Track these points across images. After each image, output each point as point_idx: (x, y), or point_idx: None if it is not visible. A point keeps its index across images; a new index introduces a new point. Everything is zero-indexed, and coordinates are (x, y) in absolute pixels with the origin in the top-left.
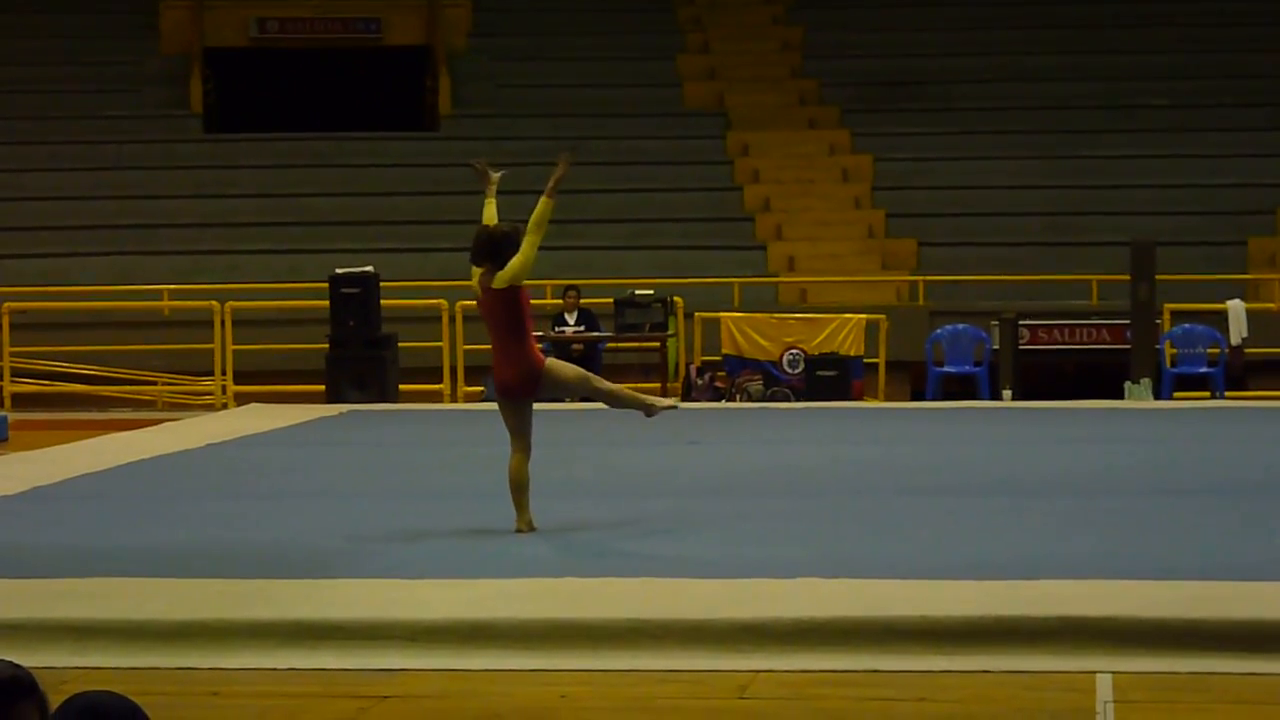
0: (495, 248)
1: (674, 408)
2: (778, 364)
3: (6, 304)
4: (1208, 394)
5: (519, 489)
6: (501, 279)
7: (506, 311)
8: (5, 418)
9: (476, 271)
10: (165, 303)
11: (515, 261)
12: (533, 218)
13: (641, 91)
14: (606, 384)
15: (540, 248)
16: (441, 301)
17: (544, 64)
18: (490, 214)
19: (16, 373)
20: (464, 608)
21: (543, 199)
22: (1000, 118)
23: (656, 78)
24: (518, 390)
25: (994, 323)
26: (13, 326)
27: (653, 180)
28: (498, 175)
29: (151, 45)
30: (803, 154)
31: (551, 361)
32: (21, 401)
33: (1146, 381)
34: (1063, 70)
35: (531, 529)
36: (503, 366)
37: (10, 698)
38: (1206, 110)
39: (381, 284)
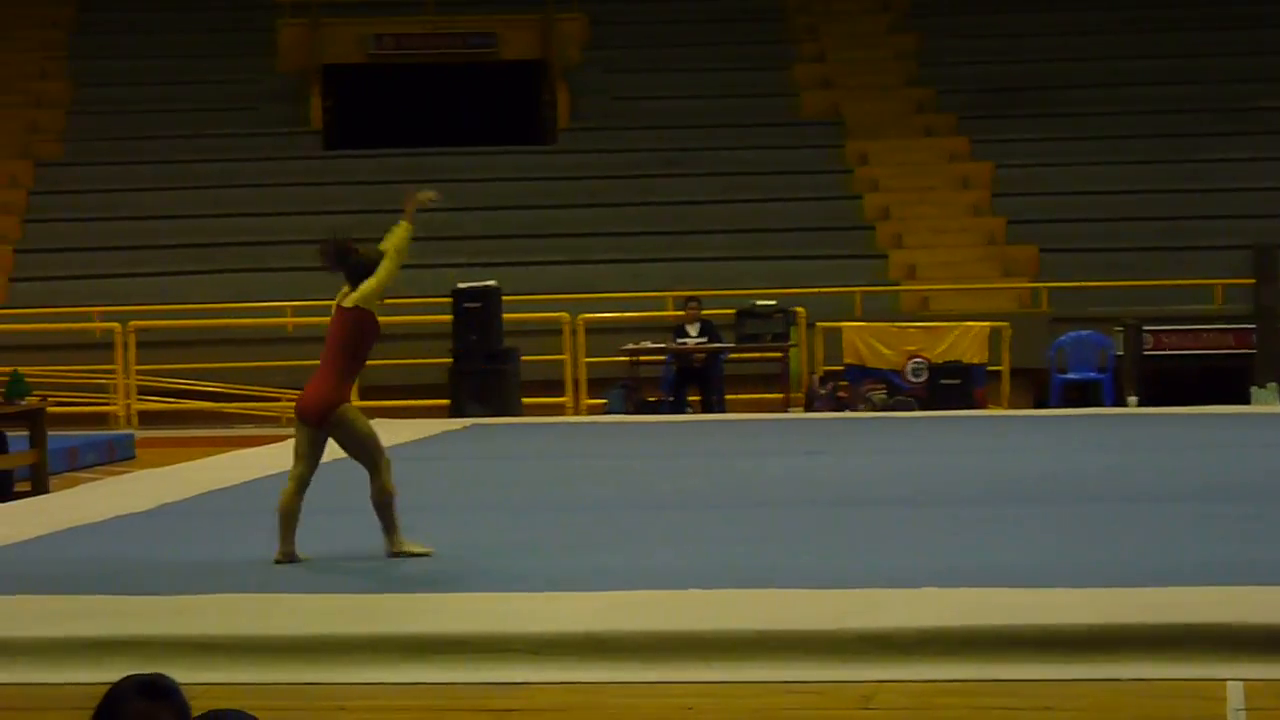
0: (341, 256)
1: (427, 554)
2: (900, 373)
3: (132, 323)
4: None
5: (284, 516)
6: (352, 298)
7: (342, 332)
8: (132, 436)
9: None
10: (289, 319)
11: (369, 283)
12: (391, 242)
13: (757, 101)
14: (388, 476)
15: (668, 259)
16: (563, 315)
17: (659, 76)
18: (390, 239)
19: (142, 391)
20: (587, 620)
21: (402, 223)
22: (1117, 122)
23: (772, 87)
24: (309, 414)
25: (1118, 328)
26: (139, 345)
27: (770, 190)
28: (427, 196)
29: (269, 63)
30: (920, 161)
31: (351, 409)
32: (147, 419)
33: (1273, 385)
34: (1179, 73)
35: (291, 560)
36: (310, 386)
37: (151, 695)
38: None
39: (504, 298)
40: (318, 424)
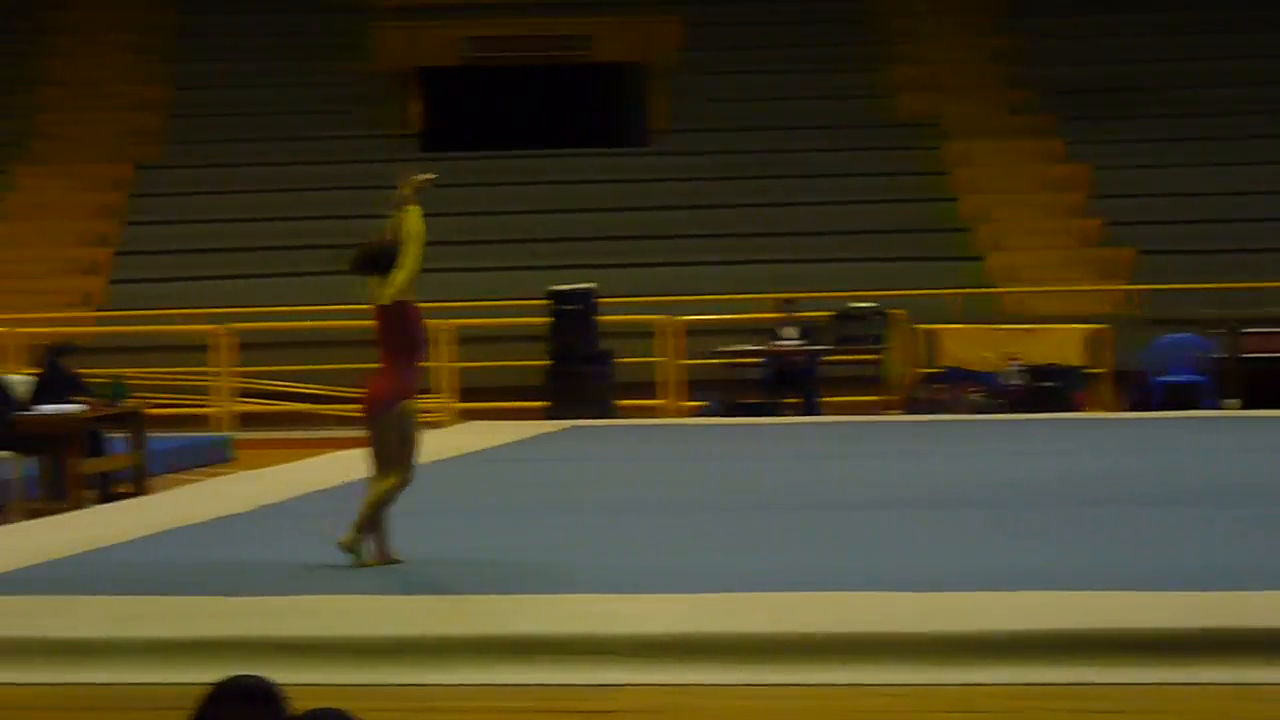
0: (374, 261)
1: (361, 562)
2: (998, 375)
3: (230, 325)
4: None
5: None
6: (388, 294)
7: (390, 329)
8: (230, 438)
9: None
10: None
11: (400, 275)
12: (409, 229)
13: (852, 103)
14: (393, 491)
15: (765, 261)
16: (660, 317)
17: (756, 78)
18: (407, 225)
19: (241, 393)
20: (682, 622)
21: (410, 208)
22: (1215, 123)
23: (869, 89)
24: (365, 412)
25: (1216, 331)
26: (238, 347)
27: (866, 192)
28: (425, 178)
29: (366, 65)
30: (1016, 163)
31: (406, 413)
32: (247, 421)
33: None
34: (1277, 74)
35: (355, 551)
36: (368, 385)
37: (253, 700)
38: None
39: (601, 300)
40: (373, 414)
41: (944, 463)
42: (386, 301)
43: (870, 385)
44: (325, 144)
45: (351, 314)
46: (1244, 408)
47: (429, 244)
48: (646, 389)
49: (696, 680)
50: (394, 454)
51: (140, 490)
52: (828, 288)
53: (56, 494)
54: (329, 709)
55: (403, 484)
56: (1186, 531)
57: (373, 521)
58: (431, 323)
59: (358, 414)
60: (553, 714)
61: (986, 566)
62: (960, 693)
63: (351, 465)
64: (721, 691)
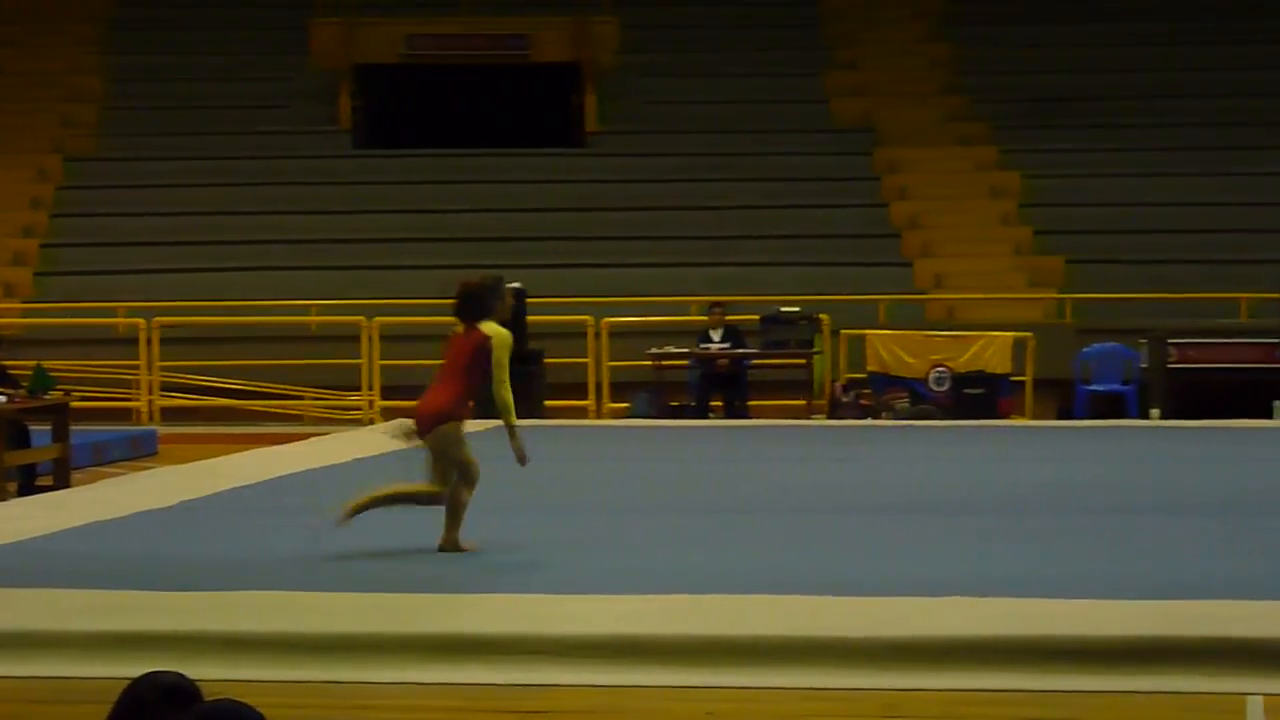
0: (477, 300)
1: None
2: (924, 381)
3: (156, 319)
4: None
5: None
6: (488, 330)
7: (466, 354)
8: (154, 432)
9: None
10: (313, 318)
11: (502, 361)
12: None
13: (789, 108)
14: (460, 501)
15: (695, 264)
16: (588, 318)
17: (691, 81)
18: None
19: (166, 387)
20: (614, 623)
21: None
22: (1150, 134)
23: (804, 94)
24: (419, 425)
25: (1143, 341)
26: (162, 341)
27: (800, 197)
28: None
29: (302, 61)
30: (951, 170)
31: (459, 430)
32: (171, 415)
33: None
34: (1216, 86)
35: (458, 548)
36: (424, 400)
37: (166, 696)
38: None
39: (528, 300)
40: (422, 435)
41: (868, 469)
42: (490, 337)
43: (798, 389)
44: (259, 139)
45: (278, 310)
46: (1167, 418)
47: (363, 241)
48: (575, 389)
49: (632, 681)
50: (464, 471)
51: (63, 483)
52: (758, 291)
53: None
54: (227, 700)
55: (475, 482)
56: (1116, 540)
57: (383, 505)
58: (359, 320)
59: (415, 428)
60: (489, 713)
61: (917, 573)
62: (892, 697)
63: (275, 461)
64: (649, 693)
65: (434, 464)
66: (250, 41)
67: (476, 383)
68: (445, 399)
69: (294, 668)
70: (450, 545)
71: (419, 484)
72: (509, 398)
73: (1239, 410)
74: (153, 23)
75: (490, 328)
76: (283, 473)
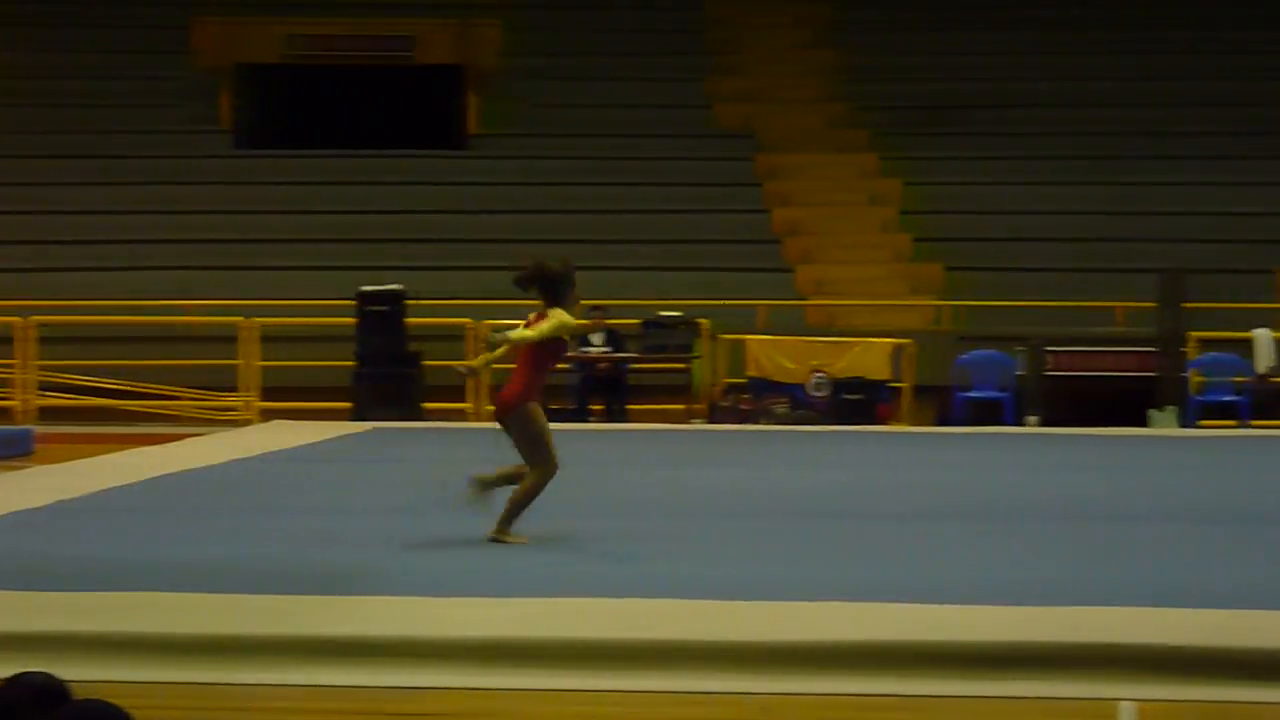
0: (555, 285)
1: (524, 543)
2: (803, 387)
3: (33, 317)
4: (1233, 422)
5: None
6: (548, 327)
7: (536, 346)
8: (30, 431)
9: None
10: (191, 318)
11: (565, 321)
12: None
13: (672, 112)
14: (542, 482)
15: (577, 268)
16: (467, 320)
17: (574, 84)
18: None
19: (43, 386)
20: (491, 626)
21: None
22: (1029, 143)
23: (687, 98)
24: (499, 410)
25: (1020, 348)
26: (40, 340)
27: (681, 201)
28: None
29: (183, 60)
30: (832, 177)
31: (535, 409)
32: (48, 415)
33: (1171, 409)
34: (1093, 96)
35: (506, 540)
36: (505, 387)
37: (37, 697)
38: (1239, 138)
39: (408, 302)
40: (503, 420)
41: (746, 473)
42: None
43: (678, 394)
44: (139, 138)
45: (161, 309)
46: (1044, 425)
47: (243, 241)
48: (455, 392)
49: (507, 684)
50: (544, 445)
51: None
52: (639, 296)
53: None
54: (96, 701)
55: (551, 475)
56: (989, 545)
57: (518, 513)
58: (238, 320)
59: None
60: (358, 715)
61: (792, 577)
62: (764, 701)
63: (152, 461)
64: (526, 696)
65: (520, 446)
66: (130, 39)
67: (549, 365)
68: (519, 385)
69: (172, 669)
70: (504, 535)
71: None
72: (522, 336)
73: (1115, 418)
74: (31, 19)
75: (559, 314)
76: (158, 473)
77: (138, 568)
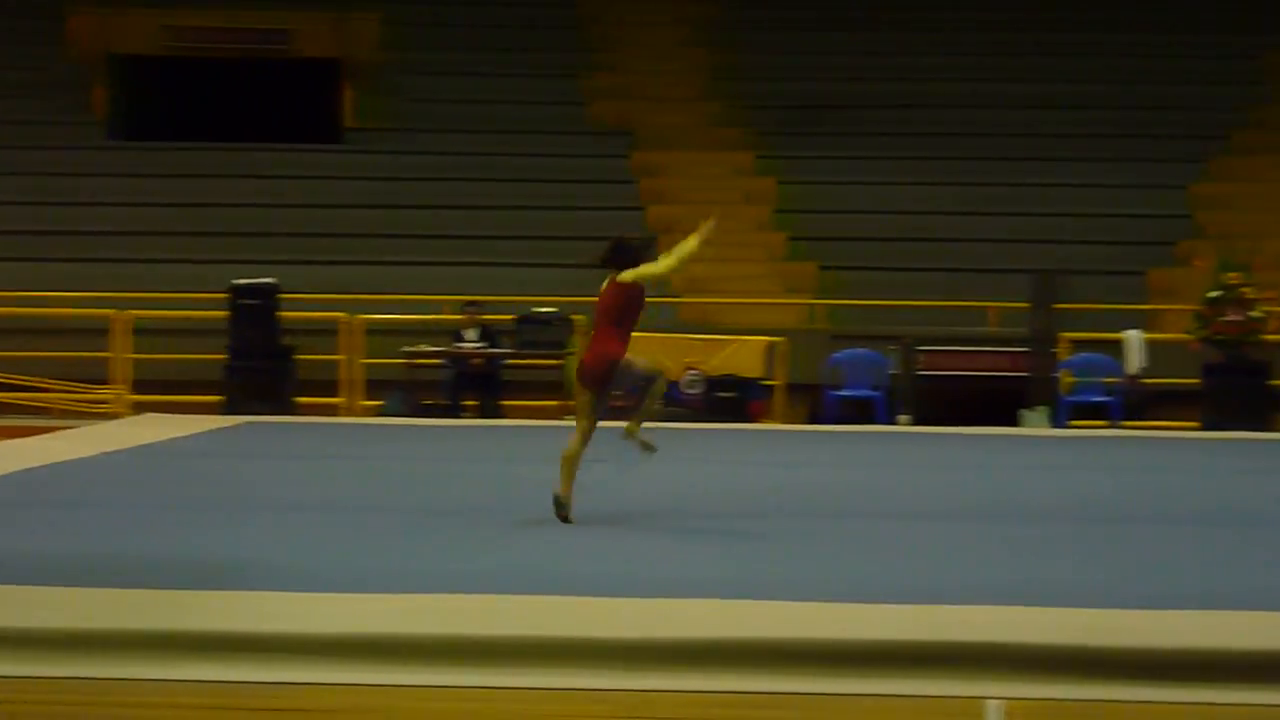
0: (632, 254)
1: (653, 450)
2: (676, 384)
3: None
4: (1104, 423)
5: (567, 462)
6: (629, 275)
7: (616, 302)
8: None
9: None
10: (61, 310)
11: (651, 268)
12: (680, 246)
13: (549, 109)
14: (662, 382)
15: (451, 263)
16: (341, 314)
17: (452, 79)
18: (682, 244)
19: None
20: (365, 622)
21: (693, 237)
22: (906, 143)
23: (564, 95)
24: (590, 378)
25: (892, 347)
26: None
27: (557, 198)
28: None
29: (57, 50)
30: (708, 175)
31: (627, 358)
32: None
33: (1043, 409)
34: (969, 98)
35: (563, 506)
36: (590, 351)
37: None
38: (1112, 140)
39: (282, 296)
40: (597, 387)
41: (615, 470)
42: (626, 280)
43: (552, 390)
44: (12, 129)
45: (31, 301)
46: (916, 424)
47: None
48: (328, 387)
49: (384, 680)
50: (654, 369)
51: None
52: (515, 292)
53: None
54: None
55: (664, 377)
56: (863, 544)
57: (650, 407)
58: (109, 313)
59: (579, 381)
60: (228, 710)
61: (666, 574)
62: (637, 698)
63: (18, 453)
64: (400, 692)
65: (594, 407)
66: (4, 29)
67: (629, 328)
68: (610, 347)
69: (33, 663)
70: (633, 434)
71: (578, 437)
72: (675, 259)
73: (986, 417)
74: None
75: (631, 273)
76: (26, 466)
77: (1, 561)
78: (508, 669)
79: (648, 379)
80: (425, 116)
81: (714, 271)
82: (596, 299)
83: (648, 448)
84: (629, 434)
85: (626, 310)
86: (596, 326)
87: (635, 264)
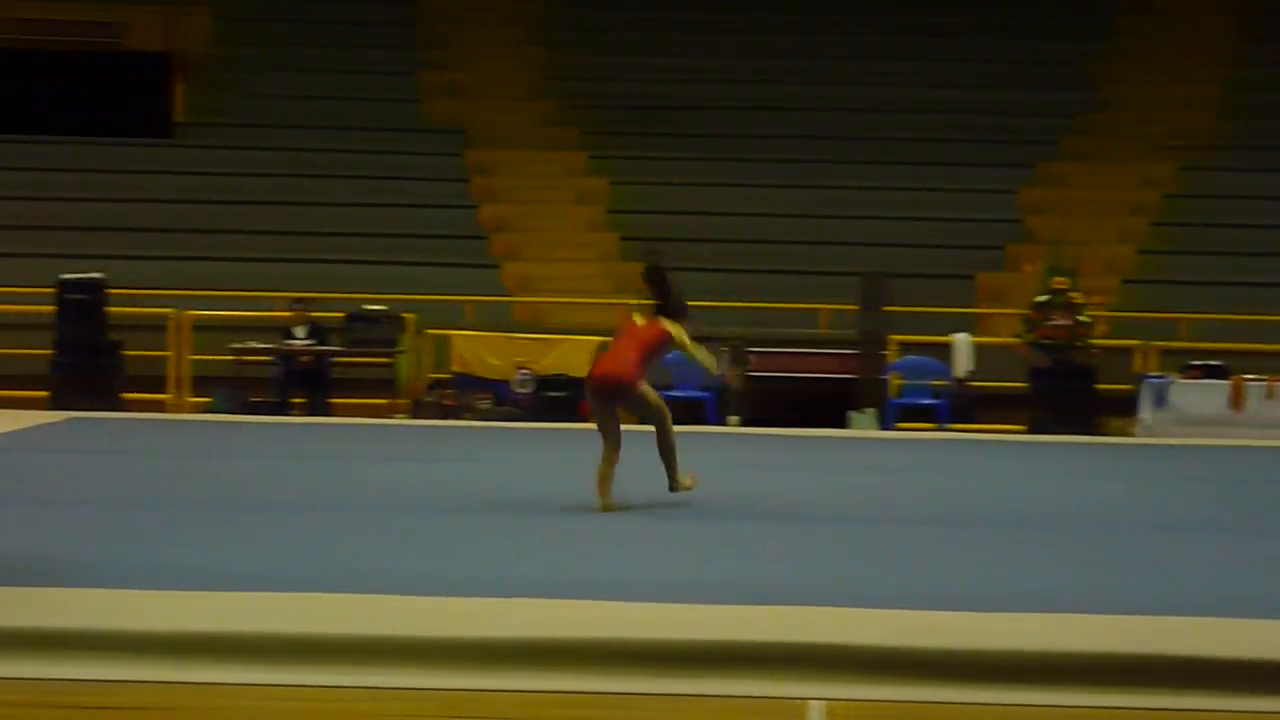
0: (679, 306)
1: (691, 489)
2: (508, 383)
3: None
4: (931, 425)
5: (599, 477)
6: (675, 331)
7: (652, 341)
8: None
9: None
10: None
11: (689, 343)
12: (703, 354)
13: (382, 106)
14: (671, 431)
15: (282, 260)
16: (169, 310)
17: (284, 75)
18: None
19: None
20: (186, 620)
21: (710, 361)
22: (736, 145)
23: (398, 92)
24: (602, 390)
25: (722, 349)
26: None
27: (390, 195)
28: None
29: None
30: (540, 174)
31: (644, 385)
32: None
33: (871, 411)
34: (803, 100)
35: (608, 509)
36: (605, 366)
37: None
38: (943, 145)
39: (111, 291)
40: (608, 398)
41: (444, 470)
42: (670, 334)
43: (382, 388)
44: None
45: None
46: (745, 425)
47: None
48: (155, 383)
49: (202, 678)
50: (661, 409)
51: None
52: (346, 289)
53: None
54: None
55: (670, 417)
56: (684, 544)
57: (674, 461)
58: None
59: (591, 393)
60: (51, 708)
61: (486, 574)
62: (454, 697)
63: None
64: (217, 690)
65: (611, 421)
66: None
67: (653, 363)
68: (630, 370)
69: None
70: (678, 486)
71: (607, 454)
72: (703, 355)
73: (816, 419)
74: None
75: (672, 326)
76: None
77: None
78: (320, 667)
79: (651, 412)
80: (257, 112)
81: (546, 271)
82: (621, 318)
83: (689, 489)
84: (675, 489)
85: (657, 353)
86: (622, 347)
87: (678, 313)
